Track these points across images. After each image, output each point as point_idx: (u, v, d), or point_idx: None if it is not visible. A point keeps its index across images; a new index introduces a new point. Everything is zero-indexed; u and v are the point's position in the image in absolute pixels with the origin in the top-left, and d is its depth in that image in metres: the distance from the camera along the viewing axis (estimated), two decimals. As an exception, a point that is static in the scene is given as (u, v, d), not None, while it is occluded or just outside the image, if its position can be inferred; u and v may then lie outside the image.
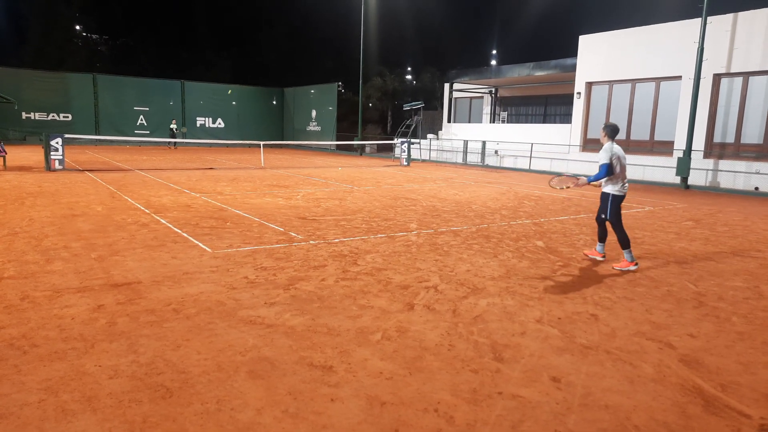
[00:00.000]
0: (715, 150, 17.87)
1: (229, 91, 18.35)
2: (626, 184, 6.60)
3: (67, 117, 32.75)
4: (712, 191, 16.52)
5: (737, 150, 17.40)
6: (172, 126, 33.11)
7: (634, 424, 3.03)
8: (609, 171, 6.44)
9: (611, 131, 6.58)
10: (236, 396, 3.21)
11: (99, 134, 32.08)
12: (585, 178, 6.83)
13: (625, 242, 6.47)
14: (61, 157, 16.55)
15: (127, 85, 34.70)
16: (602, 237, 6.86)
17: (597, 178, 6.57)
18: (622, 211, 6.88)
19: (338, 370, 3.57)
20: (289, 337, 4.11)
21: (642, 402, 3.29)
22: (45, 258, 6.21)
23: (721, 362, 3.90)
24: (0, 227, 7.88)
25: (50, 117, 32.31)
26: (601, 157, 6.46)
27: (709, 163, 17.50)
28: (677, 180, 17.41)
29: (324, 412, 3.06)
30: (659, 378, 3.61)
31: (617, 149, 6.50)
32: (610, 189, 6.58)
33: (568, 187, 7.01)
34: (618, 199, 6.56)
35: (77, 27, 48.23)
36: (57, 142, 16.43)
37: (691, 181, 17.14)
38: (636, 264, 6.48)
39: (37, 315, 4.42)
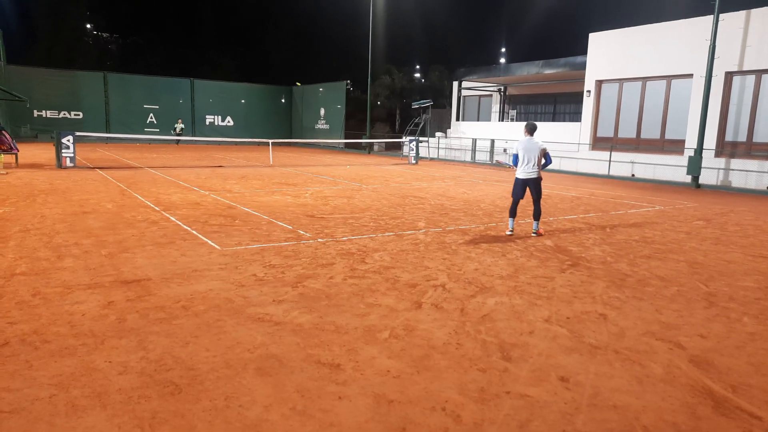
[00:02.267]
0: (726, 149, 17.70)
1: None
2: (529, 171, 8.01)
3: (78, 115, 32.97)
4: (724, 190, 16.37)
5: (749, 149, 17.23)
6: (177, 125, 33.24)
7: (643, 425, 3.01)
8: (515, 160, 8.15)
9: (530, 128, 8.10)
10: (244, 393, 3.23)
11: (109, 132, 32.29)
12: (510, 163, 8.42)
13: (511, 213, 8.21)
14: (72, 155, 16.68)
15: (137, 83, 34.87)
16: (536, 215, 8.28)
17: (512, 164, 8.30)
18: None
19: (346, 368, 3.58)
20: (297, 334, 4.12)
21: (651, 402, 3.27)
22: (56, 255, 6.27)
23: (732, 363, 3.87)
24: (12, 224, 7.96)
25: (61, 115, 32.55)
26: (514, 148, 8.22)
27: (721, 162, 17.33)
28: (688, 179, 17.28)
29: (331, 410, 3.07)
30: (669, 378, 3.59)
31: (524, 143, 8.00)
32: (517, 173, 8.23)
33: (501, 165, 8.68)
34: (517, 181, 8.14)
35: (87, 25, 48.56)
36: (68, 140, 16.56)
37: (702, 180, 16.99)
38: (510, 233, 8.18)
39: (49, 311, 4.46)
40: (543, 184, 8.38)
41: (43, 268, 5.73)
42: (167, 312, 4.52)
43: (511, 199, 8.30)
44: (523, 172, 8.07)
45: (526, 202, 8.62)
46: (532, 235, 8.21)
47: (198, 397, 3.17)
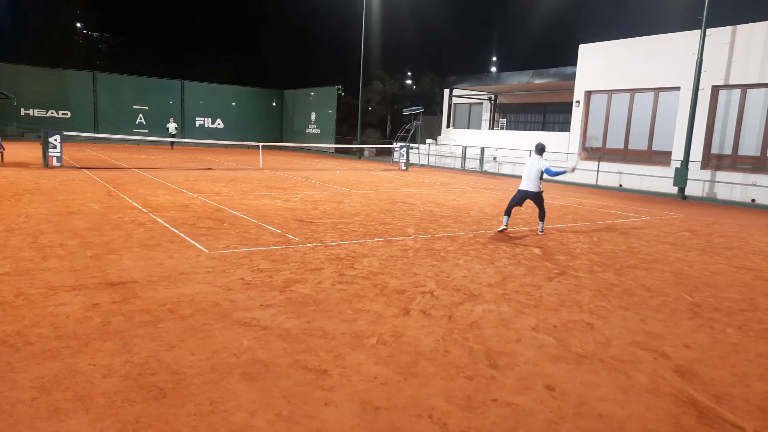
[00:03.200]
0: (712, 161, 17.94)
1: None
2: (527, 185, 9.02)
3: (66, 114, 32.67)
4: (709, 202, 16.57)
5: (734, 162, 17.47)
6: (169, 125, 31.98)
7: (628, 434, 3.03)
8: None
9: (536, 149, 9.01)
10: (230, 398, 3.20)
11: (98, 132, 31.98)
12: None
13: (506, 212, 9.13)
14: (59, 155, 16.51)
15: (127, 83, 34.62)
16: (541, 216, 9.28)
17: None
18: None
19: (332, 374, 3.57)
20: (284, 339, 4.10)
21: (636, 412, 3.29)
22: (41, 255, 6.19)
23: (716, 373, 3.91)
24: (-4, 223, 7.85)
25: (49, 114, 32.22)
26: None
27: (707, 174, 17.56)
28: (674, 190, 17.47)
29: (317, 416, 3.05)
30: (653, 388, 3.62)
31: (528, 161, 9.11)
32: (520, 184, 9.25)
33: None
34: (518, 191, 9.16)
35: (78, 24, 48.17)
36: (55, 139, 16.39)
37: (688, 191, 17.19)
38: (503, 228, 8.97)
39: (32, 312, 4.40)
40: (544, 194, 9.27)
41: (27, 268, 5.65)
42: (153, 315, 4.48)
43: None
44: (524, 185, 9.07)
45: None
46: (539, 233, 9.16)
47: (183, 401, 3.14)
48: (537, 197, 9.04)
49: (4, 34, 44.32)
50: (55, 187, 12.14)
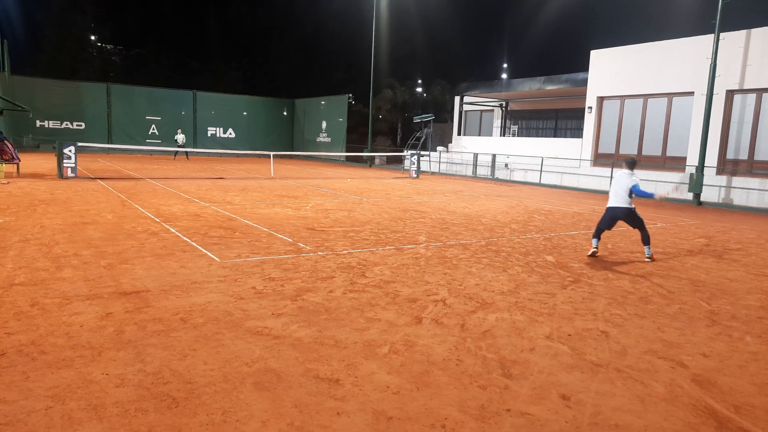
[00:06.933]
0: (727, 167, 17.73)
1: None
2: (612, 200, 7.96)
3: (81, 125, 33.07)
4: (725, 208, 16.36)
5: (750, 167, 17.25)
6: (177, 137, 30.72)
7: (646, 445, 2.97)
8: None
9: (627, 164, 7.98)
10: (242, 407, 3.19)
11: (111, 143, 32.33)
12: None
13: (596, 234, 8.12)
14: (73, 165, 16.71)
15: (140, 94, 34.99)
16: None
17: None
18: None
19: (345, 384, 3.55)
20: (296, 348, 4.09)
21: (653, 422, 3.23)
22: (55, 265, 6.25)
23: (735, 383, 3.83)
24: (12, 234, 7.95)
25: (64, 125, 32.63)
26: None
27: (722, 179, 17.35)
28: (689, 196, 17.27)
29: (330, 426, 3.03)
30: (671, 398, 3.55)
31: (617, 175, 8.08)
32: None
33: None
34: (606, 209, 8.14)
35: (92, 37, 48.90)
36: (70, 150, 16.61)
37: (703, 197, 16.99)
38: (594, 251, 8.01)
39: (46, 322, 4.44)
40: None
41: (42, 278, 5.71)
42: (165, 324, 4.49)
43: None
44: (612, 201, 7.96)
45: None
46: (645, 259, 7.90)
47: (195, 411, 3.13)
48: (629, 215, 7.88)
49: (19, 47, 45.05)
50: (70, 197, 12.28)
